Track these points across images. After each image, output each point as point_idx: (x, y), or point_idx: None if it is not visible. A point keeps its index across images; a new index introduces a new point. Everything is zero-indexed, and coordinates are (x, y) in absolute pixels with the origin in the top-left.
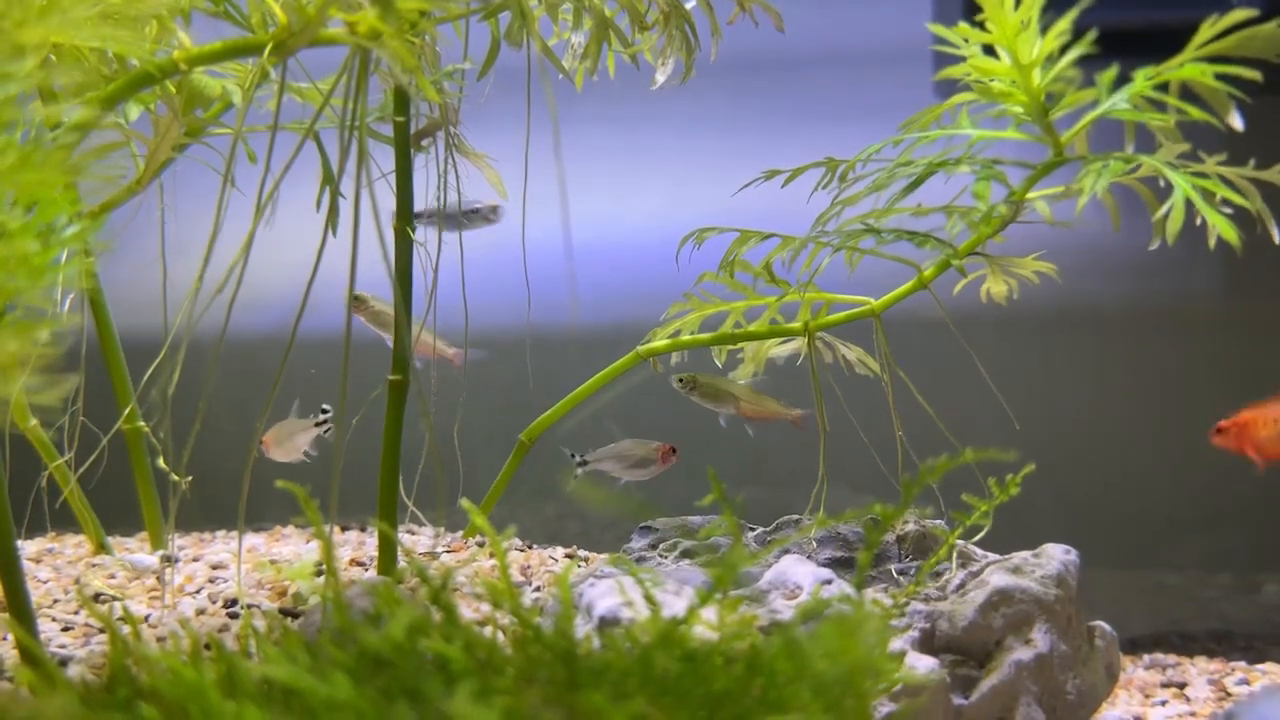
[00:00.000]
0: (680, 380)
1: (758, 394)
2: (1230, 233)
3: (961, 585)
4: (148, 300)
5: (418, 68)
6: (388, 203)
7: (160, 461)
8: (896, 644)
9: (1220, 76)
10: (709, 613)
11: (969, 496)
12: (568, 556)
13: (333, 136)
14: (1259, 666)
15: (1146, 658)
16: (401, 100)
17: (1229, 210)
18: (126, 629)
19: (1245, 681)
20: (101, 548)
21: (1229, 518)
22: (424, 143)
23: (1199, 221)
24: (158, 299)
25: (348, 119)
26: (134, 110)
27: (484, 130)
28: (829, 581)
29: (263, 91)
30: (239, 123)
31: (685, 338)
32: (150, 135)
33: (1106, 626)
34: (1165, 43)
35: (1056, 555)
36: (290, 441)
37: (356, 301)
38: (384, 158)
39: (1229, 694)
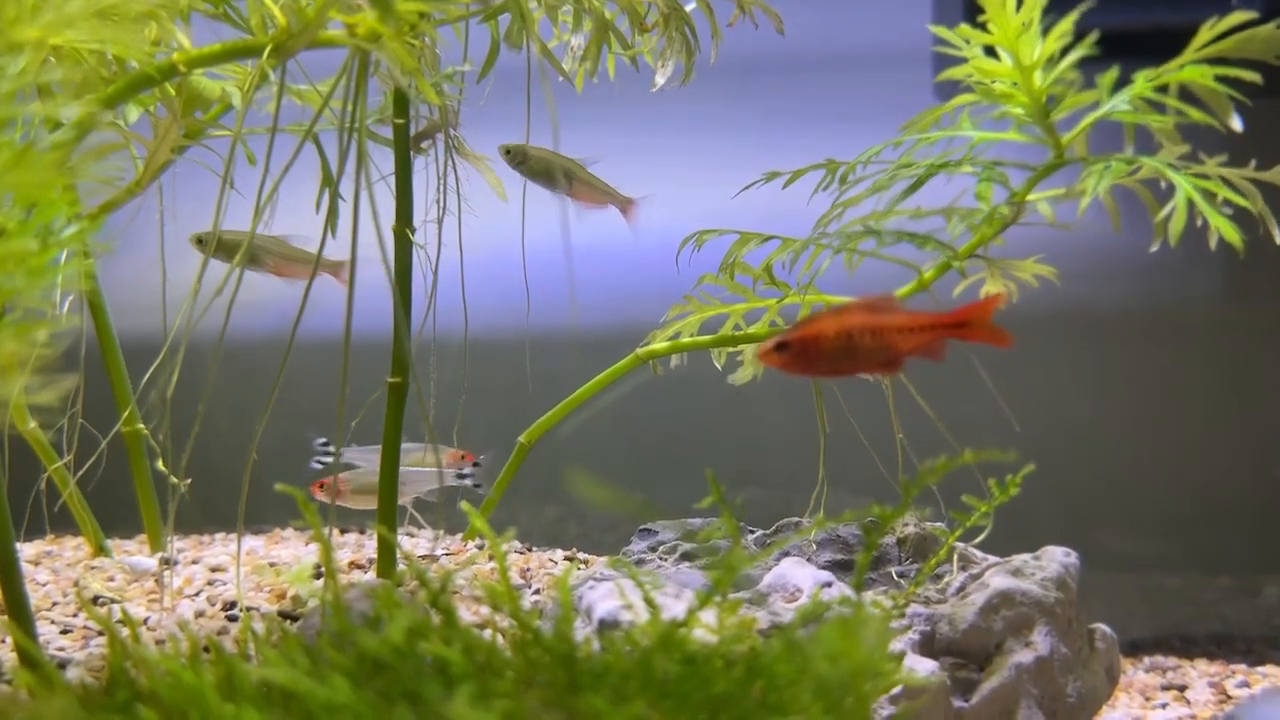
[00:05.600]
0: (508, 152)
1: (593, 175)
2: (1232, 234)
3: (962, 588)
4: (147, 302)
5: (417, 70)
6: (387, 205)
7: (159, 464)
8: (896, 646)
9: (1220, 78)
10: (709, 615)
11: (969, 498)
12: (567, 559)
13: (332, 138)
14: (1260, 669)
15: (1147, 660)
16: (401, 102)
17: (1229, 211)
18: (125, 631)
19: (1246, 684)
20: (100, 550)
21: (1229, 520)
22: (424, 145)
23: (1199, 223)
24: (157, 300)
25: (347, 121)
26: (133, 112)
27: (484, 132)
28: (829, 584)
29: (262, 93)
30: (238, 125)
31: (685, 340)
32: (149, 137)
33: (1107, 629)
34: (1165, 45)
35: (1057, 557)
36: (364, 491)
37: (253, 262)
38: (383, 160)
39: (1229, 697)
